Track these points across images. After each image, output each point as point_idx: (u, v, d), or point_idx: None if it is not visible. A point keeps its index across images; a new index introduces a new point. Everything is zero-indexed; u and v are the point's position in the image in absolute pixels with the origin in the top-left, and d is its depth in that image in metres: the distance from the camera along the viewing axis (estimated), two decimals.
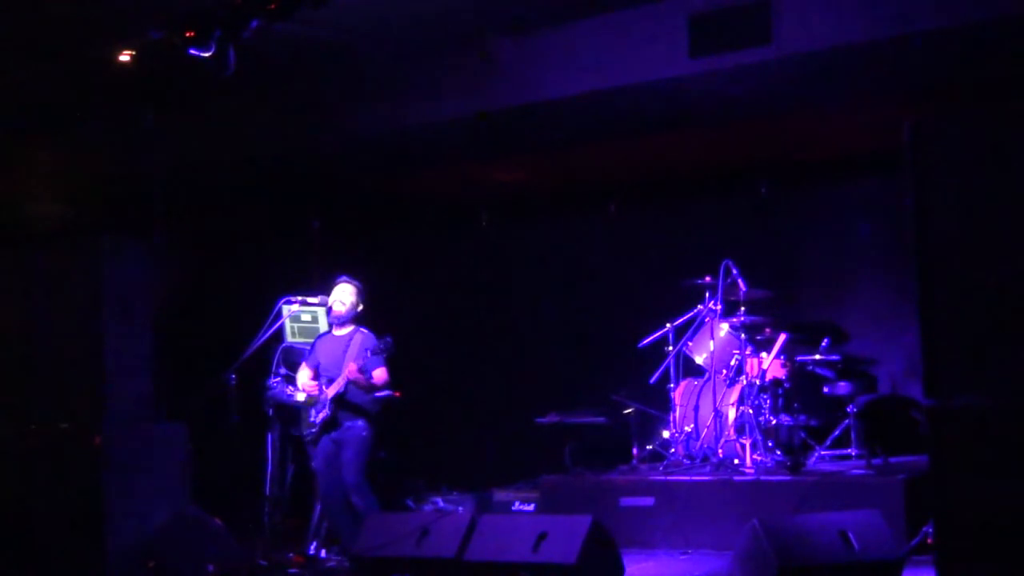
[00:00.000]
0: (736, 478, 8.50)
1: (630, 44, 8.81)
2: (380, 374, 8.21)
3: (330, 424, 8.22)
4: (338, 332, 8.42)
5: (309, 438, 8.35)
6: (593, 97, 9.11)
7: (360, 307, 8.41)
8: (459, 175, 11.50)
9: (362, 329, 8.35)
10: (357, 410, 8.23)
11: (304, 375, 8.42)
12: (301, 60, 9.48)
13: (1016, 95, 8.47)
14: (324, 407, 8.20)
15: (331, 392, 8.17)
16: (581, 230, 11.75)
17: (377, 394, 8.28)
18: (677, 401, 9.46)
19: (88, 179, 11.53)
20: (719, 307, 9.37)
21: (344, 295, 8.38)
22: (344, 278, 8.45)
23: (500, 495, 9.93)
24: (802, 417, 9.18)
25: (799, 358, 9.38)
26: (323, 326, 9.10)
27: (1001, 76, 8.49)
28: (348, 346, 8.26)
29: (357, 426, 8.19)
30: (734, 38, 8.36)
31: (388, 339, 8.01)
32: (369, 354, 8.04)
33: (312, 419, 8.27)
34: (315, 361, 8.42)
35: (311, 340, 8.84)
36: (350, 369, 8.06)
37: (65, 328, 8.03)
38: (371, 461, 8.27)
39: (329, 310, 8.44)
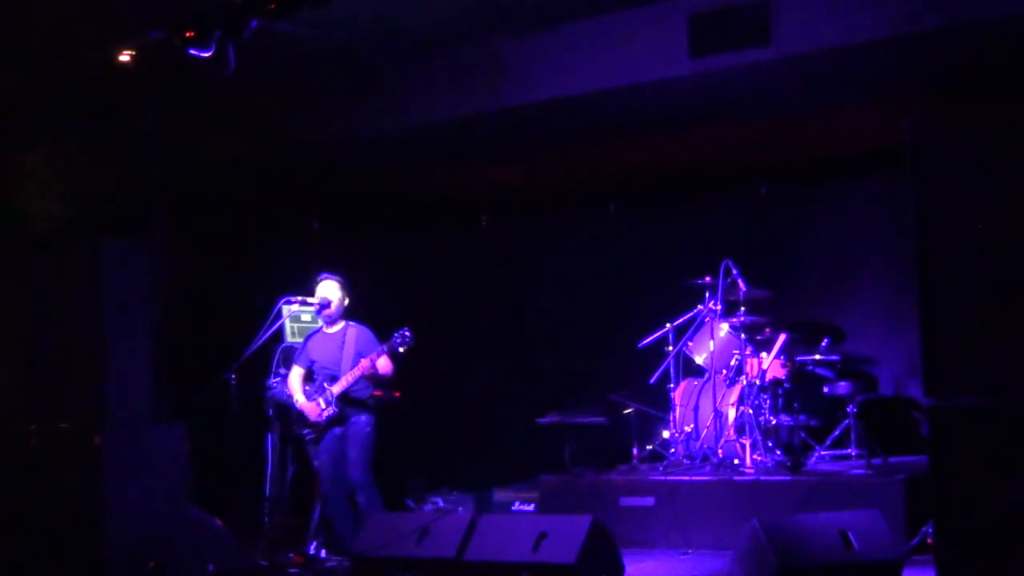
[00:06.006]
0: (736, 478, 8.50)
1: (630, 44, 8.81)
2: (384, 363, 8.24)
3: (336, 420, 8.25)
4: (329, 329, 8.44)
5: (310, 438, 8.35)
6: (593, 97, 9.10)
7: (346, 301, 8.44)
8: (459, 175, 11.50)
9: (353, 323, 8.38)
10: (363, 405, 8.31)
11: (296, 375, 8.42)
12: (301, 60, 9.48)
13: (1016, 95, 8.47)
14: (330, 404, 8.22)
15: (337, 389, 8.20)
16: (581, 230, 11.74)
17: (375, 392, 8.30)
18: (677, 401, 9.46)
19: (88, 179, 11.53)
20: (719, 307, 9.37)
21: (329, 292, 8.40)
22: (325, 275, 8.47)
23: (500, 495, 9.93)
24: (802, 417, 9.19)
25: (799, 358, 9.39)
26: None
27: (1001, 76, 8.48)
28: (344, 342, 8.29)
29: (361, 421, 8.27)
30: (734, 38, 8.35)
31: (407, 332, 8.09)
32: (385, 349, 8.13)
33: (316, 418, 8.27)
34: (308, 360, 8.43)
35: None
36: (363, 365, 8.12)
37: (65, 328, 8.02)
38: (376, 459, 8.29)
39: (319, 310, 8.44)
